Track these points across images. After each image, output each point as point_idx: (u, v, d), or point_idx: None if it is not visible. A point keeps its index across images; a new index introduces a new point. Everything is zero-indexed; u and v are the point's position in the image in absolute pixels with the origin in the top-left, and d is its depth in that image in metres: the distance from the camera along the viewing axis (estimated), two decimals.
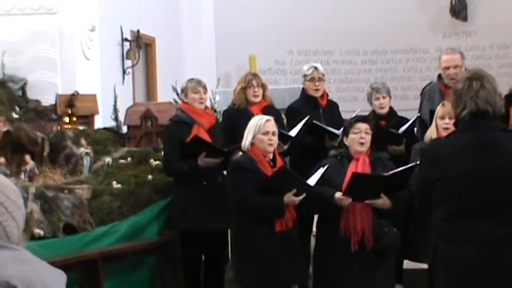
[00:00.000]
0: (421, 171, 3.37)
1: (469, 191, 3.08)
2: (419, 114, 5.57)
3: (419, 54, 12.07)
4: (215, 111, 7.13)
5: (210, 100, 7.93)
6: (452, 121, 3.40)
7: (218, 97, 7.99)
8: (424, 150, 3.34)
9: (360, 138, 4.62)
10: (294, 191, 4.38)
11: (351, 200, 4.42)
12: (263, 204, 4.37)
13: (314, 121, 5.42)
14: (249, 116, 4.96)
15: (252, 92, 5.50)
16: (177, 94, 7.57)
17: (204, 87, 5.25)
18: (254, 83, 5.51)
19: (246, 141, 4.56)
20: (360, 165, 4.58)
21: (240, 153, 4.87)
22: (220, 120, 5.81)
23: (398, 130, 5.38)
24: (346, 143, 4.72)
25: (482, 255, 3.04)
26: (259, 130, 4.52)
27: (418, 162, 4.03)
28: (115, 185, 5.19)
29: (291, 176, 4.43)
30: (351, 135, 4.66)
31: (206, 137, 5.09)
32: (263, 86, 5.57)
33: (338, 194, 4.44)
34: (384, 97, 5.66)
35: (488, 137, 3.12)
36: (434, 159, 3.21)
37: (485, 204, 3.06)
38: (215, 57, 11.28)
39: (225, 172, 5.01)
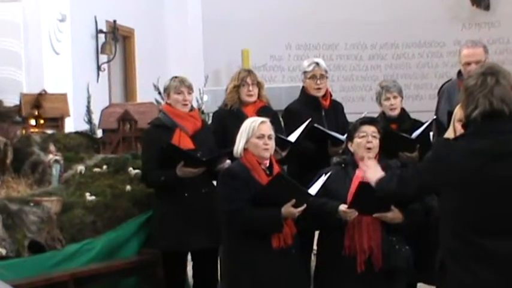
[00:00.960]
0: (423, 170, 3.31)
1: (480, 204, 3.06)
2: (435, 117, 5.59)
3: (435, 48, 12.13)
4: (202, 112, 7.15)
5: (197, 100, 7.96)
6: None
7: (206, 97, 8.03)
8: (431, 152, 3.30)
9: (366, 142, 4.64)
10: (293, 201, 4.40)
11: (356, 213, 4.43)
12: (258, 217, 4.39)
13: (315, 125, 5.43)
14: (242, 118, 4.98)
15: (246, 91, 5.52)
16: (159, 93, 7.59)
17: (189, 87, 5.26)
18: (248, 80, 5.53)
19: (238, 146, 4.58)
20: None
21: (228, 161, 4.88)
22: (210, 122, 5.82)
23: (411, 135, 5.39)
24: (351, 148, 4.73)
25: (496, 278, 3.01)
26: (253, 133, 4.54)
27: None
28: (88, 196, 5.19)
29: (290, 185, 4.45)
30: (356, 140, 4.67)
31: (188, 142, 5.10)
32: (259, 85, 5.59)
33: (342, 207, 4.45)
34: (394, 97, 5.69)
35: (504, 142, 3.08)
36: (441, 163, 3.17)
37: (500, 220, 3.04)
38: (203, 52, 11.30)
39: (214, 182, 5.01)
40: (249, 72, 5.63)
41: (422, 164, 3.29)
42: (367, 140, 4.64)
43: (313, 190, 4.47)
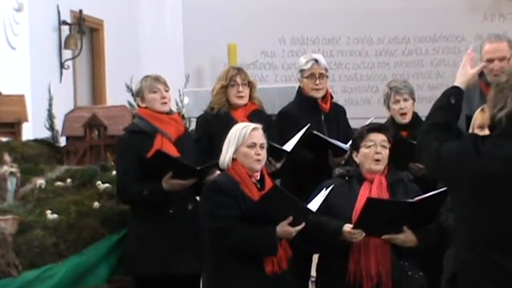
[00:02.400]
0: (443, 156, 3.31)
1: (500, 214, 3.09)
2: None
3: (452, 42, 12.18)
4: (183, 117, 7.15)
5: (177, 104, 7.96)
6: None
7: (187, 99, 8.01)
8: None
9: (374, 153, 4.66)
10: (290, 219, 4.40)
11: (363, 234, 4.45)
12: (249, 237, 4.38)
13: (314, 131, 5.45)
14: (231, 124, 4.98)
15: (236, 93, 5.54)
16: (133, 95, 7.59)
17: (165, 84, 5.29)
18: (238, 80, 5.55)
19: (225, 156, 4.59)
20: (375, 189, 4.61)
21: (218, 172, 4.89)
22: (192, 129, 5.81)
23: None
24: (357, 159, 4.75)
25: None
26: (244, 141, 4.55)
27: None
28: (49, 215, 5.17)
29: (287, 199, 4.44)
30: (363, 150, 4.69)
31: (172, 150, 5.11)
32: (250, 85, 5.61)
33: (347, 227, 4.47)
34: (405, 100, 5.71)
35: None
36: (462, 161, 3.16)
37: None
38: (183, 48, 11.32)
39: (197, 198, 5.02)
40: (239, 70, 5.65)
41: (445, 150, 3.29)
42: (375, 151, 4.66)
43: (314, 206, 4.48)
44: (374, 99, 11.11)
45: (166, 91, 5.29)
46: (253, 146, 4.56)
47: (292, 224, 4.42)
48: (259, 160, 4.57)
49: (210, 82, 6.16)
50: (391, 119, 5.76)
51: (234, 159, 4.57)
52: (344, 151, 5.41)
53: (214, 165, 4.87)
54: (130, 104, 7.34)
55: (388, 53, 12.21)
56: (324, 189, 4.59)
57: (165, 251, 5.00)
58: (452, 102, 3.52)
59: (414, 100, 5.81)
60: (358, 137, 4.77)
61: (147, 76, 5.37)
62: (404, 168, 5.07)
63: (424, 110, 6.23)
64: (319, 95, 5.78)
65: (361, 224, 4.42)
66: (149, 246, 5.03)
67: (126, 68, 9.47)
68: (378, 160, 4.66)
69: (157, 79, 5.29)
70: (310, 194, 4.72)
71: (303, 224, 4.43)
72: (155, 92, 5.23)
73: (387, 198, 4.59)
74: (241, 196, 4.46)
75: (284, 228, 4.40)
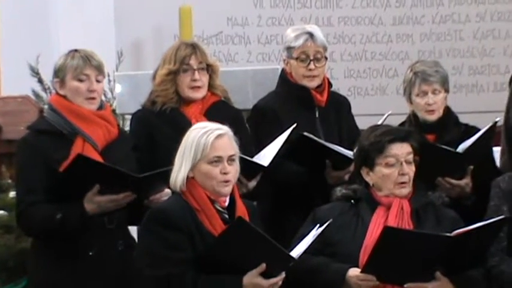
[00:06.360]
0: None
1: None
2: (498, 119, 5.62)
3: (504, 4, 12.23)
4: (114, 113, 7.15)
5: (105, 94, 7.98)
6: None
7: (119, 88, 8.02)
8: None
9: (399, 175, 4.69)
10: (263, 267, 4.39)
11: (376, 281, 4.48)
12: None
13: (305, 133, 5.47)
14: (181, 125, 4.98)
15: (189, 81, 5.51)
16: (40, 81, 7.59)
17: (98, 69, 5.19)
18: (193, 62, 5.54)
19: (177, 175, 4.57)
20: (393, 217, 4.66)
21: (167, 191, 4.89)
22: (127, 130, 5.82)
23: (457, 148, 5.45)
24: (369, 179, 4.79)
25: None
26: (204, 156, 4.51)
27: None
28: None
29: (255, 238, 4.42)
30: (381, 170, 4.73)
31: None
32: (211, 69, 5.60)
33: (353, 271, 4.51)
34: (435, 91, 5.70)
35: None
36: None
37: None
38: (114, 13, 11.30)
39: (134, 233, 5.03)
40: (194, 48, 5.59)
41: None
42: (400, 171, 4.70)
43: (297, 251, 4.48)
44: (391, 87, 11.10)
45: (98, 82, 5.24)
46: (218, 161, 4.51)
47: (265, 274, 4.42)
48: (227, 182, 4.53)
49: (153, 62, 6.11)
50: (413, 116, 5.74)
51: (190, 178, 4.53)
52: (348, 161, 5.42)
53: (163, 176, 4.80)
54: (36, 94, 7.35)
55: (412, 20, 12.24)
56: (317, 227, 4.57)
57: None
58: None
59: (447, 91, 5.79)
60: (372, 150, 4.77)
61: (75, 51, 5.26)
62: (430, 186, 5.10)
63: (462, 104, 6.27)
64: (313, 83, 5.81)
65: (373, 266, 4.45)
66: None
67: (30, 41, 9.45)
68: (403, 184, 4.71)
69: (88, 60, 5.19)
70: (298, 226, 4.75)
71: (283, 275, 4.44)
72: (81, 80, 5.19)
73: (412, 229, 4.62)
74: (197, 231, 4.45)
75: (254, 279, 4.39)
